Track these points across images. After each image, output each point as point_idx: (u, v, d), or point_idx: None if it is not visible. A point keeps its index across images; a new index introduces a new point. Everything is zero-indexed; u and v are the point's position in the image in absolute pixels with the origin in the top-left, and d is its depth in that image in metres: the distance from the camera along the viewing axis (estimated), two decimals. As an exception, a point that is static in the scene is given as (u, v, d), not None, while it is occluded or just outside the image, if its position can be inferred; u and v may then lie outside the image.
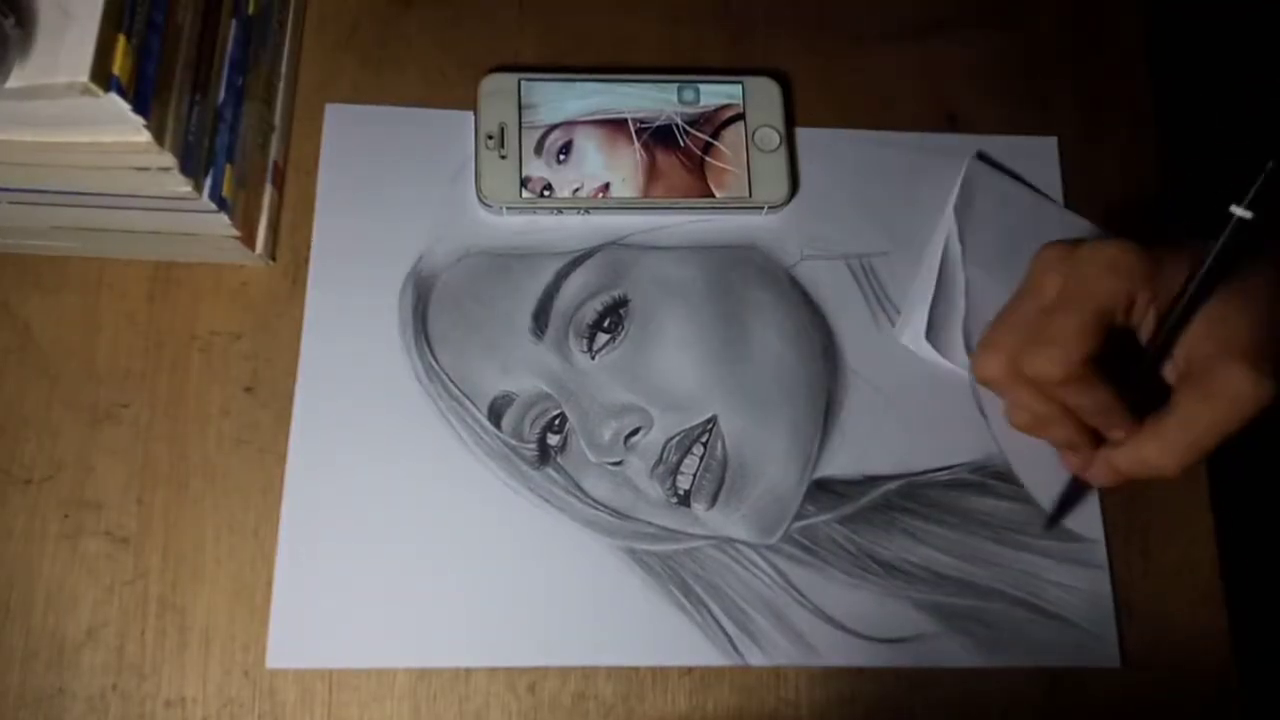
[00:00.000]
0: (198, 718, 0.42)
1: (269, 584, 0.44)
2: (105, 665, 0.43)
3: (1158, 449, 0.39)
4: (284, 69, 0.50)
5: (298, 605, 0.44)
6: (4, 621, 0.43)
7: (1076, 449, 0.42)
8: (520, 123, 0.49)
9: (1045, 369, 0.39)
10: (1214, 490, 0.49)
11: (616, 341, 0.48)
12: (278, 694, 0.43)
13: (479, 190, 0.48)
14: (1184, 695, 0.46)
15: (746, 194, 0.47)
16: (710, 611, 0.45)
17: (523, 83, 0.48)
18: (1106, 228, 0.52)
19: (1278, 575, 0.63)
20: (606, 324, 0.48)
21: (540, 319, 0.48)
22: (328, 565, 0.44)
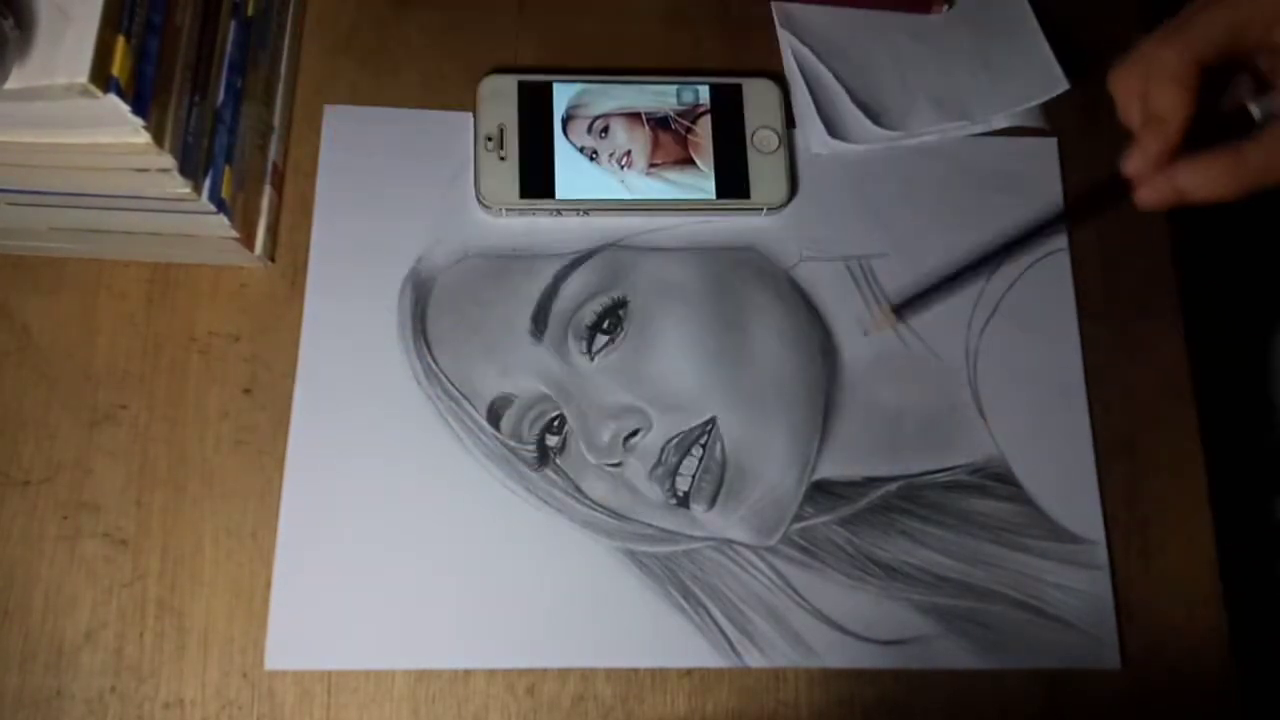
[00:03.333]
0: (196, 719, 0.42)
1: (267, 585, 0.44)
2: (104, 667, 0.43)
3: (1225, 168, 0.38)
4: (283, 71, 0.50)
5: (296, 607, 0.43)
6: (2, 623, 0.43)
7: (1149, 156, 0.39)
8: (520, 124, 0.49)
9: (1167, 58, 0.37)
10: (1213, 492, 0.49)
11: (615, 343, 0.48)
12: (276, 695, 0.43)
13: (478, 192, 0.48)
14: (1184, 697, 0.46)
15: (720, 175, 0.50)
16: (709, 613, 0.45)
17: (571, 86, 0.50)
18: (1109, 222, 0.52)
19: (1277, 577, 0.62)
20: (605, 325, 0.48)
21: (539, 320, 0.48)
22: (326, 567, 0.44)
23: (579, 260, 0.49)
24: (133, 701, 0.42)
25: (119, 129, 0.36)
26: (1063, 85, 0.52)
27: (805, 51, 0.52)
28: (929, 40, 0.53)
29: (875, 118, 0.51)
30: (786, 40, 0.53)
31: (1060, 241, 0.51)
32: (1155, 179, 0.40)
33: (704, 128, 0.50)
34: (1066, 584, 0.47)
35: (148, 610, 0.43)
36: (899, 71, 0.53)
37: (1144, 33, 0.39)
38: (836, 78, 0.52)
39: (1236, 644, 0.46)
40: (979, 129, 0.52)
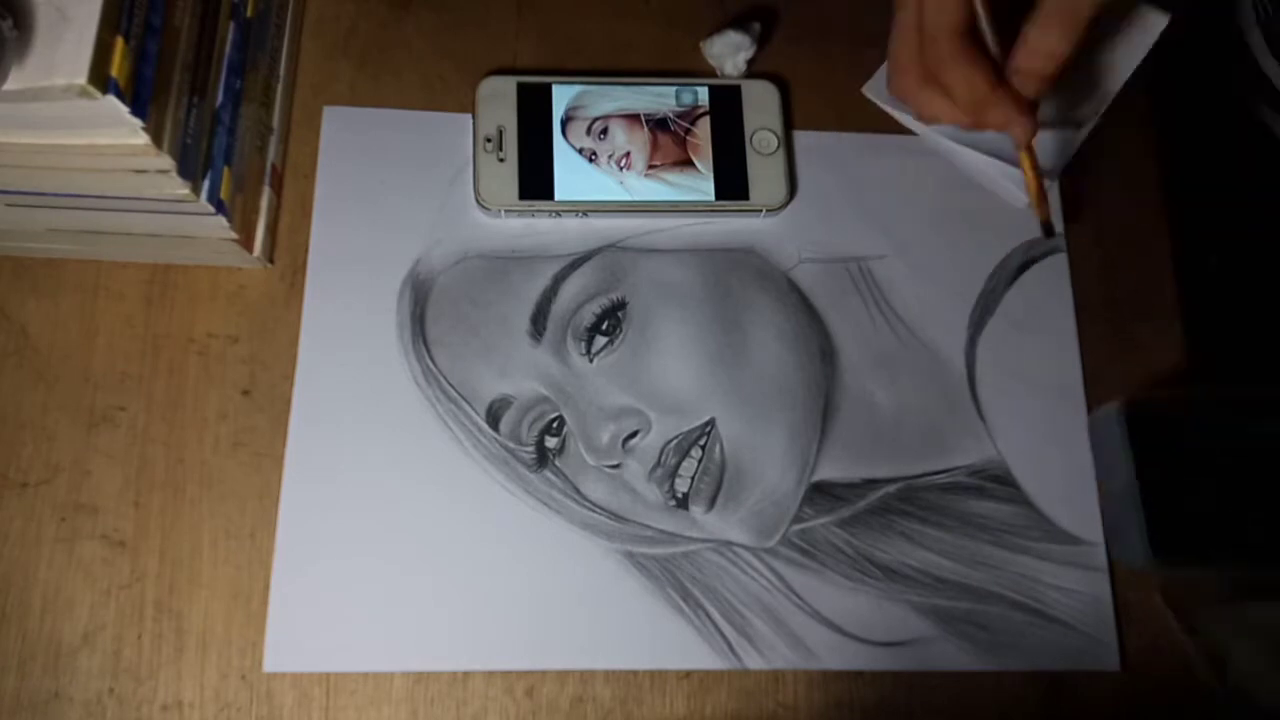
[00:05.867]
0: (194, 722, 0.42)
1: (266, 588, 0.44)
2: (102, 669, 0.42)
3: (1039, 34, 0.43)
4: (282, 72, 0.50)
5: (295, 609, 0.43)
6: (0, 625, 0.43)
7: (1023, 114, 0.45)
8: (519, 126, 0.49)
9: (943, 17, 0.43)
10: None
11: (614, 344, 0.48)
12: (275, 698, 0.43)
13: (477, 193, 0.48)
14: (1183, 699, 0.46)
15: (719, 177, 0.50)
16: (708, 615, 0.45)
17: (570, 87, 0.50)
18: (1107, 224, 0.52)
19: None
20: (604, 327, 0.48)
21: (538, 322, 0.48)
22: (325, 568, 0.44)
23: (578, 262, 0.49)
24: (131, 704, 0.42)
25: (118, 130, 0.36)
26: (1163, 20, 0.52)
27: None
28: None
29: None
30: None
31: (1058, 243, 0.51)
32: (1014, 81, 0.45)
33: (703, 129, 0.50)
34: (1066, 585, 0.46)
35: (146, 612, 0.43)
36: None
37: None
38: None
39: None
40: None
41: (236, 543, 0.44)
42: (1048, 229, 0.49)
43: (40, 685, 0.42)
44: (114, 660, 0.43)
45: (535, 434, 0.46)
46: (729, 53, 0.51)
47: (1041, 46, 0.44)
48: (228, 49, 0.44)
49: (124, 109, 0.35)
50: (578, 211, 0.49)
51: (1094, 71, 0.52)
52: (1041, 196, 0.48)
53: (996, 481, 0.48)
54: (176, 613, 0.43)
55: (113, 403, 0.45)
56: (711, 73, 0.52)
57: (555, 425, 0.47)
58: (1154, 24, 0.52)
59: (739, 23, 0.52)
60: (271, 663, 0.43)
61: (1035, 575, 0.47)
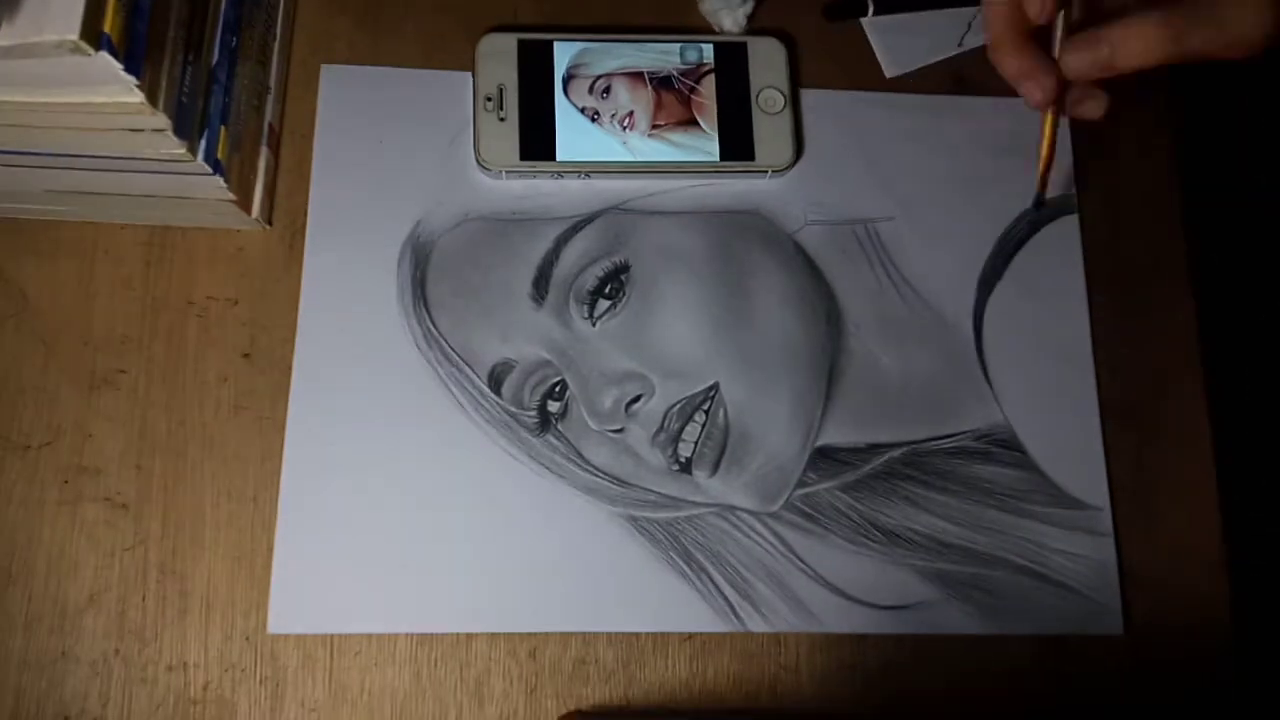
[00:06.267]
0: (199, 682, 0.43)
1: (269, 550, 0.44)
2: (107, 630, 0.43)
3: (1160, 35, 0.37)
4: (279, 29, 0.49)
5: (298, 571, 0.43)
6: (6, 587, 0.43)
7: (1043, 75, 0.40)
8: (520, 84, 0.48)
9: None
10: (1219, 458, 0.48)
11: (617, 308, 0.47)
12: (279, 659, 0.43)
13: (477, 154, 0.48)
14: (1187, 663, 0.46)
15: (724, 137, 0.49)
16: (711, 578, 0.45)
17: (572, 44, 0.49)
18: (1119, 188, 0.51)
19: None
20: (607, 290, 0.47)
21: (540, 285, 0.47)
22: (328, 531, 0.44)
23: (580, 224, 0.48)
24: (136, 664, 0.43)
25: (112, 88, 0.35)
26: None
27: None
28: None
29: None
30: None
31: (1069, 204, 0.50)
32: (1083, 40, 0.38)
33: (708, 87, 0.49)
34: (1070, 550, 0.46)
35: (149, 574, 0.43)
36: None
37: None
38: None
39: (1239, 611, 0.46)
40: None
41: (239, 505, 0.44)
42: (1039, 201, 0.47)
43: (47, 645, 0.42)
44: (119, 621, 0.43)
45: (537, 398, 0.46)
46: (724, 6, 0.50)
47: (1136, 50, 0.37)
48: (223, 5, 0.43)
49: (117, 66, 0.34)
50: (580, 172, 0.48)
51: None
52: (1047, 170, 0.46)
53: (1002, 446, 0.47)
54: (180, 575, 0.43)
55: (113, 365, 0.45)
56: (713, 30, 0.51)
57: (558, 389, 0.46)
58: None
59: (742, -22, 0.51)
60: (276, 624, 0.43)
61: (1040, 540, 0.46)
